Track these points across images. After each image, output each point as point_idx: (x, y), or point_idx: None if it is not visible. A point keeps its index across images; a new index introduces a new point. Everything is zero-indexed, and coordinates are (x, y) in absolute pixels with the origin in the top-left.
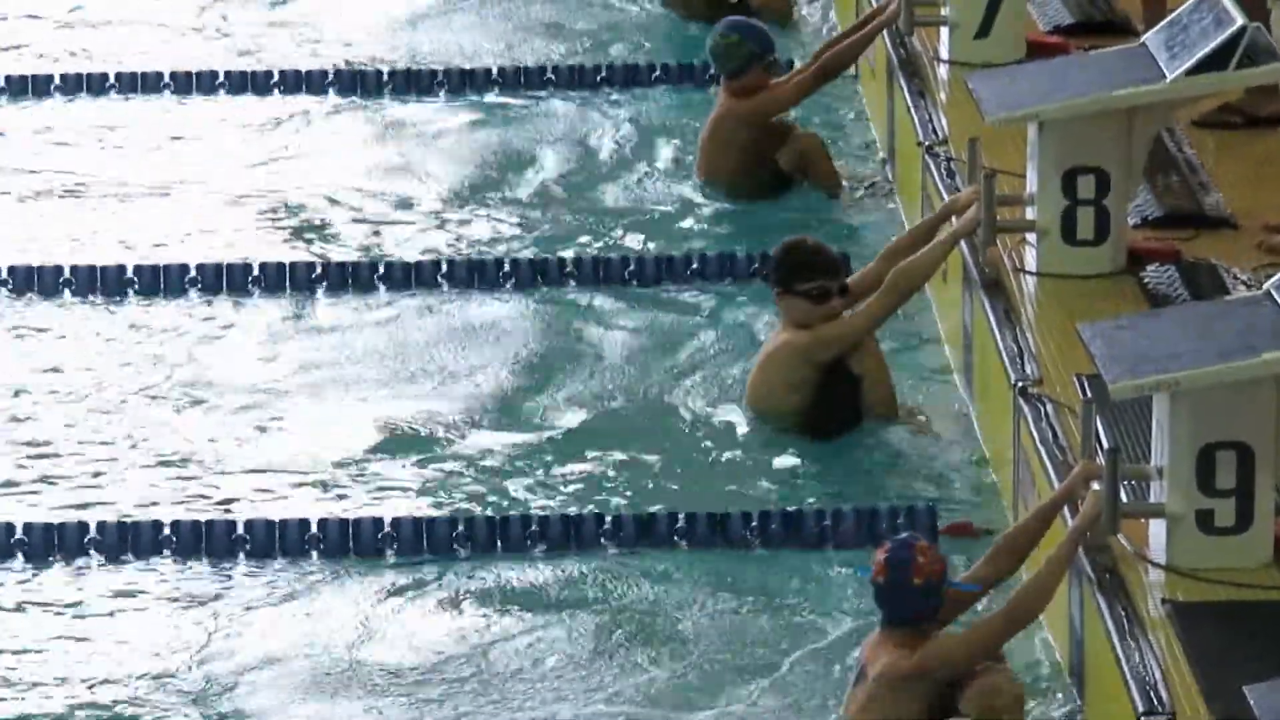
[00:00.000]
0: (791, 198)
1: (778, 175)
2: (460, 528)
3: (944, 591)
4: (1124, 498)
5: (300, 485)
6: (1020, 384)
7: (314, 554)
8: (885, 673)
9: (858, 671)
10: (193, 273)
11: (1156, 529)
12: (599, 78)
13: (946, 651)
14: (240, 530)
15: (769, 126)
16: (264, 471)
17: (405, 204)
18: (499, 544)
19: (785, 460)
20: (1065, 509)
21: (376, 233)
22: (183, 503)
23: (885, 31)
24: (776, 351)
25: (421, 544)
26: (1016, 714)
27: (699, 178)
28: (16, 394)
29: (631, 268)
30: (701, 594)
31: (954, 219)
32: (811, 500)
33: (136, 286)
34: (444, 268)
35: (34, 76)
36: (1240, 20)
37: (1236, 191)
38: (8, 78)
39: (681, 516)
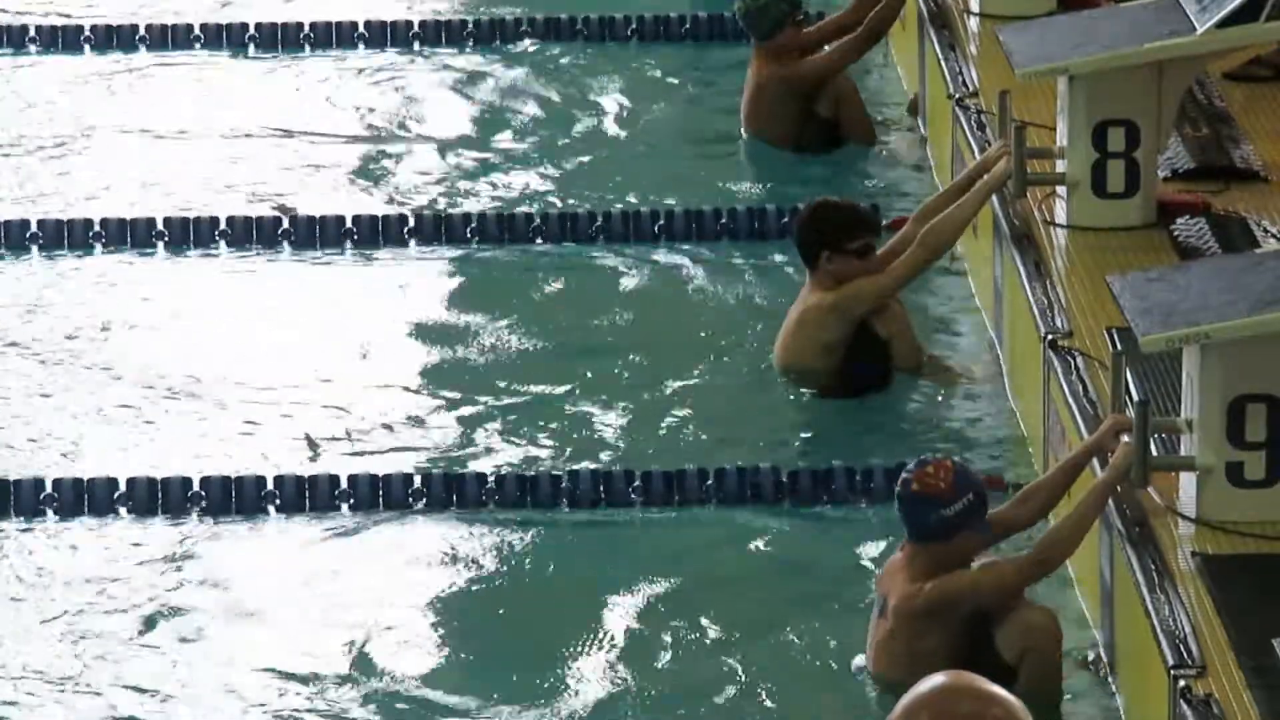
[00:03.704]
0: (831, 152)
1: (824, 128)
2: (490, 483)
3: (959, 515)
4: (1154, 451)
5: (329, 441)
6: (1050, 337)
7: (344, 508)
8: (900, 607)
9: (879, 600)
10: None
11: (1186, 482)
12: (629, 30)
13: (957, 589)
14: (269, 486)
15: (821, 80)
16: (292, 425)
17: (435, 157)
18: (530, 500)
19: (815, 417)
20: (1095, 462)
21: (406, 185)
22: (212, 458)
23: None
24: (808, 312)
25: (450, 499)
26: (1054, 653)
27: (746, 134)
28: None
29: (661, 223)
30: (731, 550)
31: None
32: (841, 456)
33: (166, 238)
34: (473, 222)
35: (63, 28)
36: None
37: (1267, 144)
38: (38, 28)
39: (711, 473)
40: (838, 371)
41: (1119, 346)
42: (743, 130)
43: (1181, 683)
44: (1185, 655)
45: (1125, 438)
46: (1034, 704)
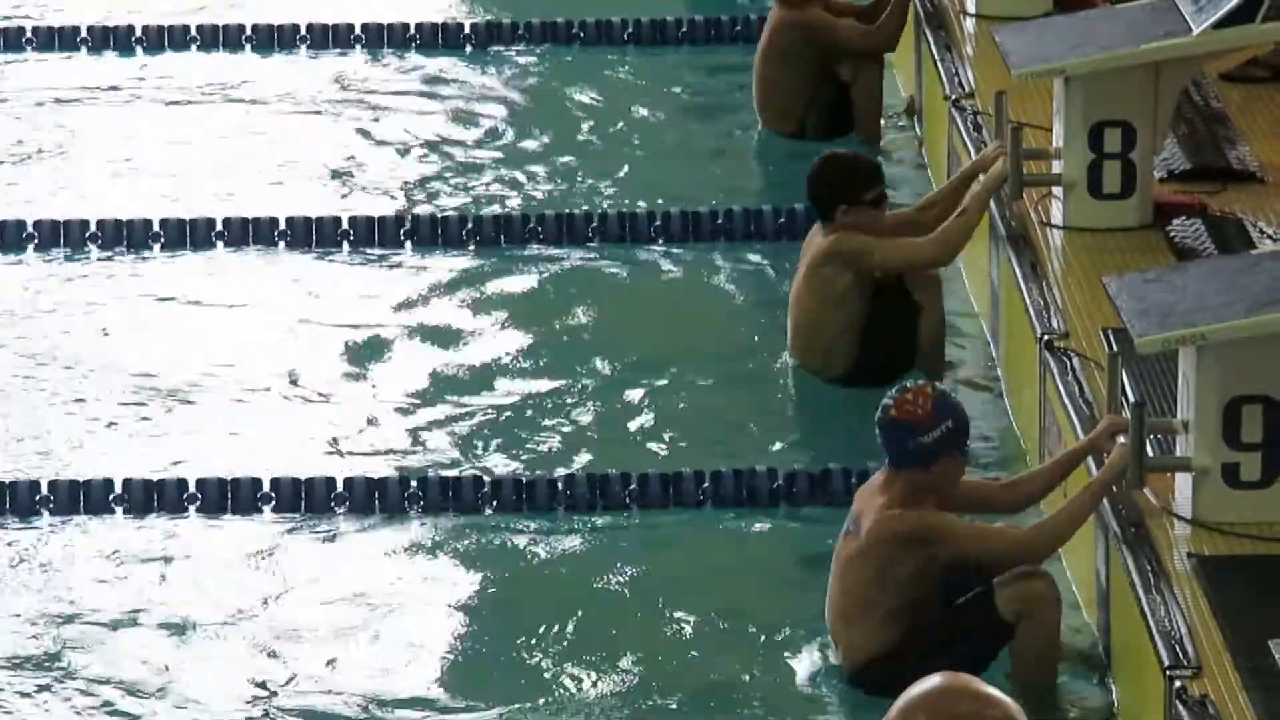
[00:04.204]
0: (834, 139)
1: (836, 95)
2: (486, 487)
3: (937, 443)
4: (1150, 451)
5: (325, 444)
6: (1046, 338)
7: (339, 511)
8: (875, 529)
9: (851, 519)
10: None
11: (1182, 483)
12: (625, 34)
13: (938, 529)
14: (266, 488)
15: (830, 42)
16: (290, 429)
17: (433, 159)
18: (525, 504)
19: (813, 417)
20: (1091, 462)
21: (404, 187)
22: (208, 460)
23: None
24: (815, 258)
25: (447, 503)
26: (1053, 619)
27: (756, 104)
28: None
29: (657, 224)
30: (726, 552)
31: (981, 176)
32: (839, 459)
33: (163, 241)
34: (469, 223)
35: (60, 29)
36: None
37: (1263, 145)
38: (35, 29)
39: (708, 475)
40: (857, 335)
41: (1115, 347)
42: (754, 94)
43: (1177, 683)
44: (1181, 656)
45: (1121, 438)
46: (1029, 667)
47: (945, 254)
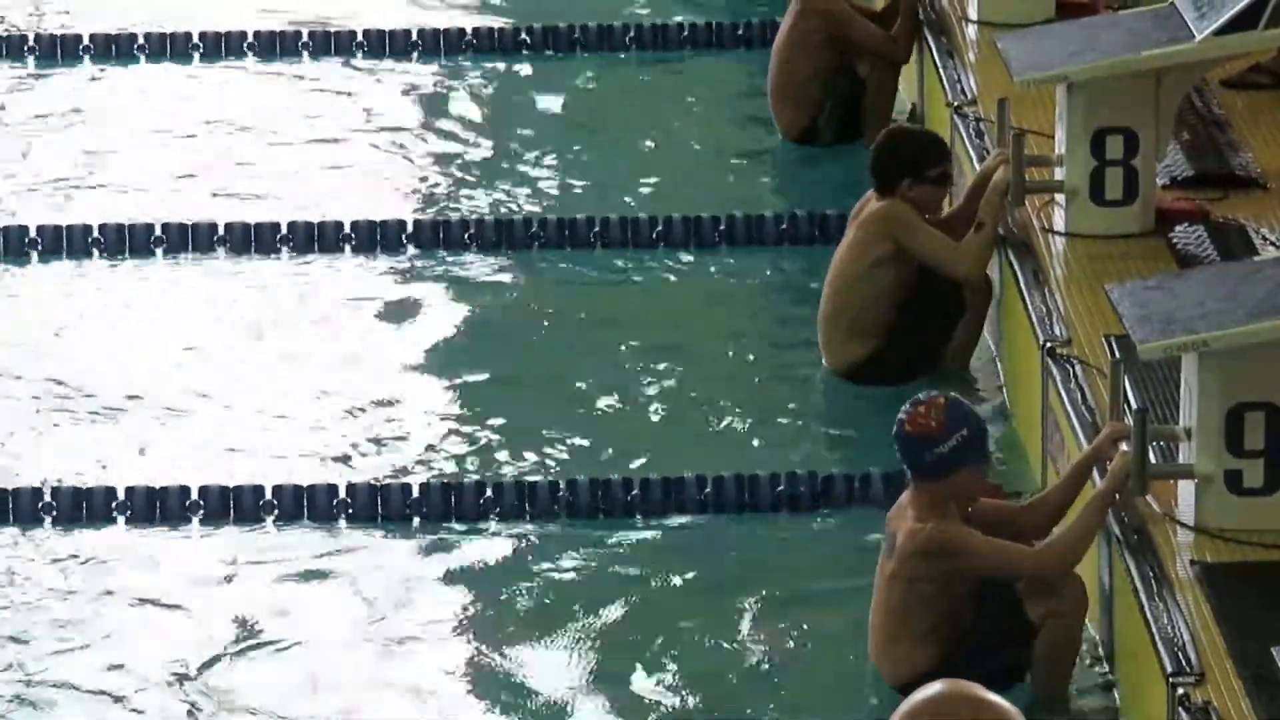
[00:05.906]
0: (841, 143)
1: (852, 90)
2: (488, 493)
3: (953, 453)
4: (1152, 458)
5: (329, 451)
6: (1049, 345)
7: (342, 519)
8: (903, 546)
9: (888, 539)
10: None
11: (1185, 490)
12: (628, 38)
13: (959, 542)
14: (269, 495)
15: (847, 35)
16: (290, 435)
17: (437, 164)
18: (528, 510)
19: (821, 423)
20: (1094, 470)
21: (404, 191)
22: (210, 468)
23: None
24: (866, 222)
25: (450, 510)
26: (1078, 622)
27: (770, 98)
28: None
29: (659, 229)
30: (728, 557)
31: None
32: (840, 463)
33: (165, 245)
34: (471, 229)
35: (62, 37)
36: None
37: (1266, 152)
38: (37, 36)
39: (710, 480)
40: (883, 324)
41: (1117, 354)
42: (769, 87)
43: (1180, 690)
44: (1184, 663)
45: (1124, 445)
46: (1047, 670)
47: (975, 269)
